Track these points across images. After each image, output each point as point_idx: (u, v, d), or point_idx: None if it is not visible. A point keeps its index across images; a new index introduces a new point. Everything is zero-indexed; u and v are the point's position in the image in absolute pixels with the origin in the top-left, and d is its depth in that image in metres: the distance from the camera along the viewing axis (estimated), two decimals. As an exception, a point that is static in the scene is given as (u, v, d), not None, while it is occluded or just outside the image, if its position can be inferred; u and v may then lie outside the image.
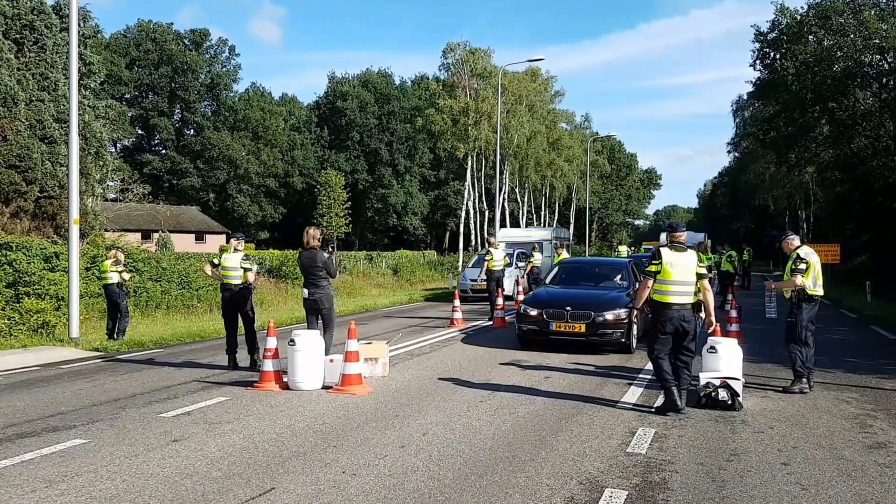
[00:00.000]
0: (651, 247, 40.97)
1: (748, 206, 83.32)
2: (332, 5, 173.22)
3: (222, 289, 11.90)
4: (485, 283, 22.18)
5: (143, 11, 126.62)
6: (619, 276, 14.99)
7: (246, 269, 11.65)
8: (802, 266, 9.86)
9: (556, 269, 16.18)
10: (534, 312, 13.26)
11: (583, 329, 12.75)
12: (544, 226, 66.38)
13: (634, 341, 13.14)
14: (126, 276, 15.47)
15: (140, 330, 16.30)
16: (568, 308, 13.01)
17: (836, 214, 47.10)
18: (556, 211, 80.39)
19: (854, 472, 6.45)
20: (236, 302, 11.72)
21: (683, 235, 8.78)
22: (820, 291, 10.04)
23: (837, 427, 8.08)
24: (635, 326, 12.90)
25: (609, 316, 12.79)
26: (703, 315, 9.04)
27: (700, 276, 8.63)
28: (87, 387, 10.25)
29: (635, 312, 9.75)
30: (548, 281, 15.65)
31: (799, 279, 9.79)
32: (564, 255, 28.64)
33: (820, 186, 56.30)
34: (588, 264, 17.83)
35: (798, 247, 10.12)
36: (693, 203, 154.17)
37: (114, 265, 15.13)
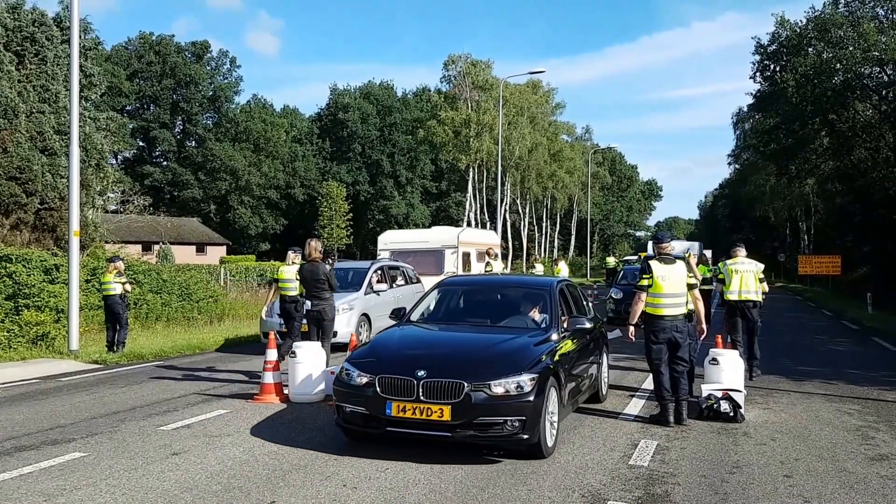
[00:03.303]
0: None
1: (749, 218, 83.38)
2: (331, 18, 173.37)
3: (281, 300, 12.32)
4: (305, 321, 14.23)
5: (139, 23, 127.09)
6: (538, 308, 8.61)
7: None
8: (721, 277, 12.11)
9: (431, 296, 9.46)
10: (362, 380, 7.12)
11: (447, 415, 6.68)
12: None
13: (550, 438, 7.17)
14: (129, 287, 15.45)
15: (140, 342, 16.27)
16: (421, 372, 6.86)
17: (837, 226, 47.23)
18: (558, 222, 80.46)
19: (856, 485, 6.42)
20: (310, 316, 11.45)
21: (670, 246, 8.83)
22: (734, 297, 11.77)
23: (839, 439, 8.05)
24: (551, 408, 7.20)
25: (498, 388, 6.73)
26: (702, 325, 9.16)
27: (690, 287, 8.69)
28: (86, 399, 10.22)
29: (632, 329, 8.95)
30: (415, 316, 9.05)
31: (717, 286, 12.07)
32: (497, 268, 22.63)
33: (820, 198, 56.47)
34: (487, 287, 10.19)
35: (731, 257, 12.13)
36: (694, 214, 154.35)
37: (116, 277, 15.10)
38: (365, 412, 7.06)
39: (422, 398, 6.78)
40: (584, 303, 9.92)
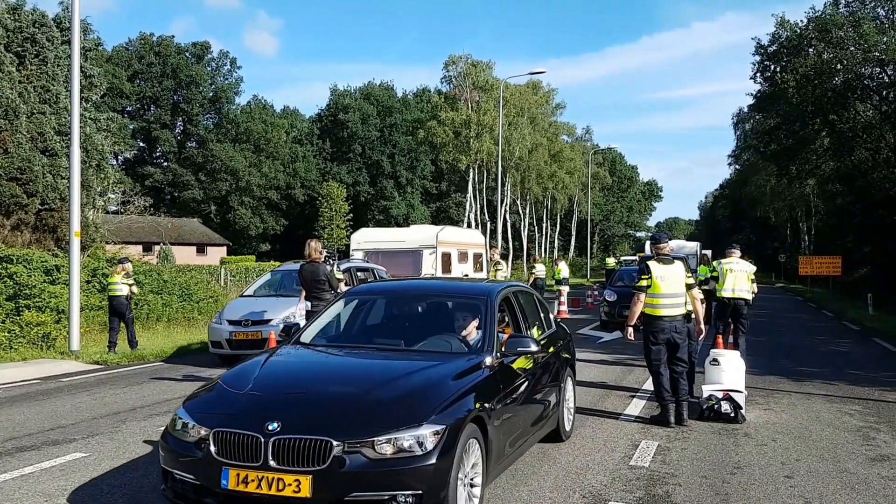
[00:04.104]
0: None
1: (749, 219, 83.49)
2: (331, 18, 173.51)
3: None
4: (257, 328, 13.19)
5: (137, 23, 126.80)
6: (474, 324, 6.52)
7: (339, 280, 12.05)
8: (714, 275, 12.84)
9: (335, 307, 7.25)
10: (197, 434, 5.05)
11: (305, 490, 4.63)
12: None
13: None
14: (135, 289, 15.54)
15: (141, 342, 16.24)
16: (273, 425, 4.80)
17: (837, 226, 47.29)
18: (558, 223, 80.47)
19: (857, 485, 6.42)
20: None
21: (668, 247, 8.85)
22: (727, 294, 12.46)
23: (840, 440, 8.05)
24: (470, 469, 5.18)
25: (384, 447, 4.73)
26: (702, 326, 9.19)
27: (689, 287, 8.69)
28: (87, 400, 10.22)
29: (630, 330, 8.85)
30: (308, 335, 6.77)
31: (711, 284, 12.64)
32: (503, 270, 22.53)
33: (821, 198, 56.53)
34: (407, 296, 7.58)
35: (726, 257, 12.86)
36: (694, 215, 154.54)
37: (124, 278, 15.15)
38: (195, 482, 4.91)
39: (271, 464, 4.66)
40: (542, 315, 7.90)
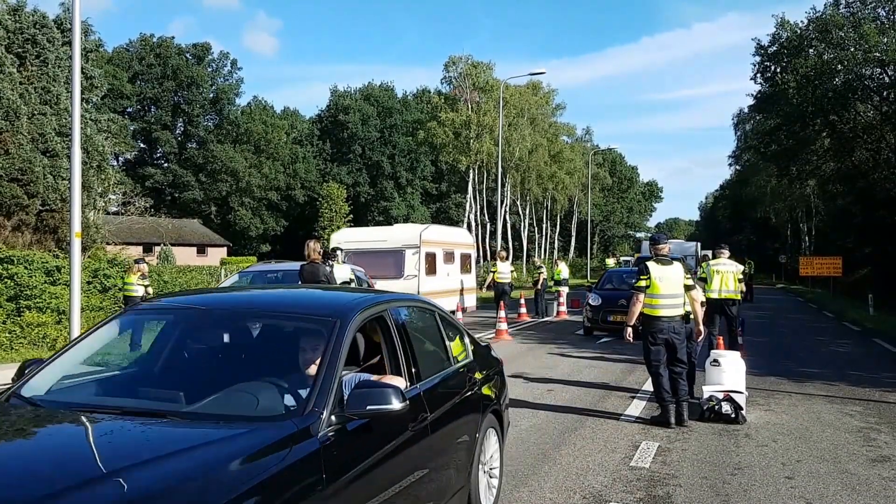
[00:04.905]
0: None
1: (750, 219, 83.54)
2: (330, 18, 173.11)
3: None
4: None
5: (136, 23, 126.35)
6: (314, 363, 3.83)
7: (350, 281, 12.57)
8: (703, 276, 12.85)
9: (101, 333, 4.42)
10: None
11: None
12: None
13: None
14: (150, 290, 15.73)
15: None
16: None
17: (838, 227, 47.34)
18: (558, 224, 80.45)
19: (858, 486, 6.42)
20: None
21: (666, 247, 8.87)
22: (714, 295, 12.48)
23: (841, 440, 8.05)
24: None
25: None
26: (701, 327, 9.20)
27: (687, 288, 8.69)
28: (88, 400, 10.19)
29: (629, 331, 8.79)
30: (41, 381, 3.92)
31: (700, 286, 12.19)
32: (505, 270, 22.25)
33: (821, 199, 56.53)
34: (214, 313, 4.54)
35: (715, 258, 13.02)
36: (695, 215, 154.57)
37: (140, 279, 15.34)
38: None
39: None
40: (448, 342, 5.27)
